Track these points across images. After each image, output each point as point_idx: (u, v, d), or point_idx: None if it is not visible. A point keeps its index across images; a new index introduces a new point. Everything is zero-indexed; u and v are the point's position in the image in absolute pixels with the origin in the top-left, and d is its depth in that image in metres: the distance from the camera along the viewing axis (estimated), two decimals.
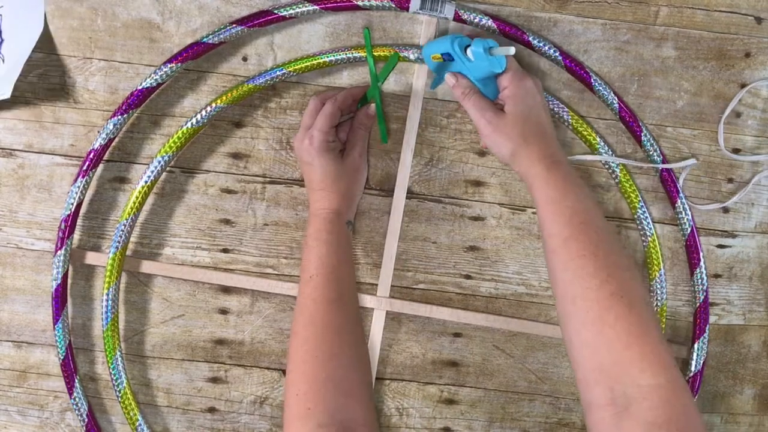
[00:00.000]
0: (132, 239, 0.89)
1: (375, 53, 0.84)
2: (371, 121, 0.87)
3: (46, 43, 0.85)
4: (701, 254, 0.88)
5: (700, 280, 0.89)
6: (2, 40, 0.83)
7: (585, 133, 0.86)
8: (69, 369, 0.87)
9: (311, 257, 0.81)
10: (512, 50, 0.74)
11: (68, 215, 0.84)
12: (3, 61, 0.83)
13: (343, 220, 0.84)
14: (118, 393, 0.88)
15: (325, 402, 0.73)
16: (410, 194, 0.89)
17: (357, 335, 0.81)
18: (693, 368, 0.90)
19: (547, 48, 0.83)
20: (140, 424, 0.89)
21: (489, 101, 0.80)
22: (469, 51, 0.78)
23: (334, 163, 0.83)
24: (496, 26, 0.82)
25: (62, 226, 0.84)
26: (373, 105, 0.86)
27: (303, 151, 0.83)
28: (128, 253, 0.88)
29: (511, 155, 0.78)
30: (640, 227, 0.89)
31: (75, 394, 0.88)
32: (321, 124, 0.82)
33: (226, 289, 0.91)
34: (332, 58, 0.84)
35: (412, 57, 0.84)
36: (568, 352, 0.70)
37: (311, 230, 0.83)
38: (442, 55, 0.79)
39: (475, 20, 0.82)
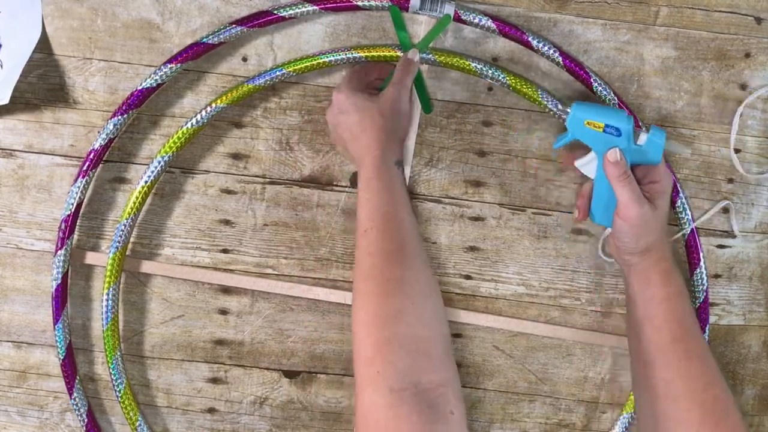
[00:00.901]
0: (132, 239, 0.89)
1: (376, 53, 0.84)
2: (410, 65, 0.81)
3: (46, 43, 0.84)
4: (701, 254, 0.88)
5: (699, 280, 0.89)
6: (0, 45, 0.83)
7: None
8: (69, 369, 0.87)
9: (363, 210, 0.76)
10: (689, 151, 0.77)
11: (68, 215, 0.84)
12: (1, 66, 0.83)
13: (391, 160, 0.79)
14: (117, 393, 0.88)
15: (393, 364, 0.66)
16: (410, 194, 0.89)
17: (422, 287, 0.73)
18: None
19: (546, 48, 0.83)
20: (140, 425, 0.89)
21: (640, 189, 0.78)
22: (643, 136, 0.77)
23: (368, 101, 0.79)
24: (495, 26, 0.82)
25: (62, 227, 0.84)
26: (411, 51, 0.81)
27: (335, 108, 0.80)
28: (128, 253, 0.88)
29: (645, 248, 0.77)
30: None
31: (75, 394, 0.88)
32: (347, 78, 0.81)
33: (226, 290, 0.91)
34: (332, 58, 0.83)
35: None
36: None
37: (360, 182, 0.78)
38: (605, 126, 0.77)
39: (475, 20, 0.82)
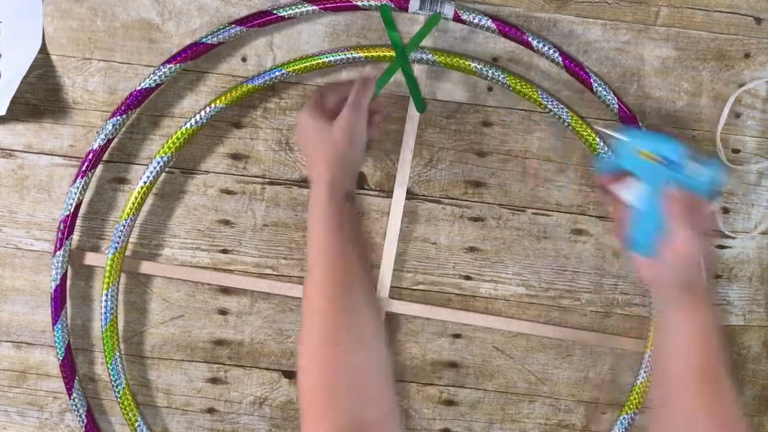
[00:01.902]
0: (131, 240, 0.89)
1: (374, 53, 0.83)
2: (367, 83, 0.79)
3: (45, 43, 0.84)
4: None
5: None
6: (0, 55, 0.84)
7: (585, 133, 0.86)
8: (68, 369, 0.87)
9: (310, 245, 0.77)
10: (737, 182, 0.75)
11: (67, 216, 0.84)
12: (0, 75, 0.83)
13: (340, 194, 0.77)
14: (117, 394, 0.88)
15: (334, 406, 0.71)
16: (410, 195, 0.89)
17: (365, 329, 0.76)
18: None
19: (546, 48, 0.83)
20: (140, 425, 0.89)
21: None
22: (695, 167, 0.71)
23: (325, 126, 0.77)
24: (495, 26, 0.82)
25: (61, 227, 0.84)
26: (366, 68, 0.81)
27: (299, 130, 0.80)
28: (127, 253, 0.88)
29: (689, 282, 0.74)
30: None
31: (74, 394, 0.88)
32: (312, 99, 0.80)
33: (226, 290, 0.91)
34: (332, 58, 0.83)
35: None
36: None
37: (310, 210, 0.78)
38: (664, 158, 0.72)
39: (475, 20, 0.82)
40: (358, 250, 0.79)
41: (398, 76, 0.86)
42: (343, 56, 0.83)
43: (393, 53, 0.83)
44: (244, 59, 0.86)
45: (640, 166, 0.73)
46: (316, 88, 0.83)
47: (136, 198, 0.84)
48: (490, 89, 0.88)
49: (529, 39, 0.83)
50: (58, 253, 0.84)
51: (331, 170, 0.77)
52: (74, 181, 0.84)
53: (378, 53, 0.84)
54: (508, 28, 0.83)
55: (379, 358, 0.77)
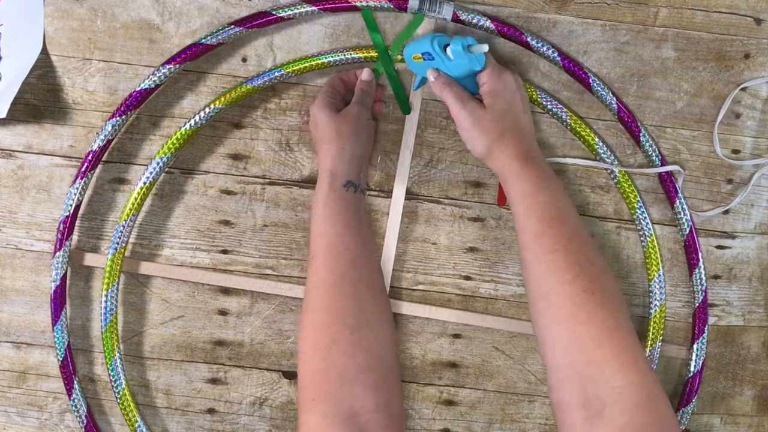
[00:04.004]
0: (131, 240, 0.89)
1: (374, 53, 0.84)
2: (367, 84, 0.84)
3: (45, 44, 0.85)
4: (700, 255, 0.88)
5: (699, 281, 0.89)
6: (0, 58, 0.84)
7: (584, 134, 0.86)
8: (68, 370, 0.87)
9: (311, 234, 0.79)
10: (486, 47, 0.75)
11: (67, 216, 0.84)
12: (0, 78, 0.83)
13: (341, 182, 0.80)
14: (117, 394, 0.88)
15: (327, 393, 0.71)
16: (409, 195, 0.89)
17: (366, 315, 0.76)
18: (692, 369, 0.90)
19: (545, 49, 0.83)
20: (139, 426, 0.89)
21: (469, 94, 0.79)
22: (448, 50, 0.77)
23: (331, 117, 0.81)
24: (494, 27, 0.82)
25: (61, 227, 0.84)
26: (365, 72, 0.84)
27: (310, 116, 0.83)
28: (127, 254, 0.88)
29: (487, 150, 0.77)
30: (639, 228, 0.89)
31: (74, 395, 0.88)
32: (322, 91, 0.83)
33: (226, 290, 0.91)
34: (332, 59, 0.84)
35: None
36: (540, 350, 0.70)
37: (312, 199, 0.80)
38: (422, 54, 0.79)
39: (474, 21, 0.82)
40: (361, 238, 0.79)
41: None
42: (343, 57, 0.84)
43: (418, 15, 0.83)
44: (244, 60, 0.86)
45: (420, 68, 0.81)
46: (327, 81, 0.85)
47: (136, 198, 0.84)
48: None
49: (528, 39, 0.83)
50: (57, 253, 0.84)
51: (333, 160, 0.80)
52: (74, 182, 0.84)
53: (375, 53, 0.84)
54: (507, 29, 0.83)
55: (380, 342, 0.76)
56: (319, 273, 0.77)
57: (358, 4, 0.82)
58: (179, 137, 0.84)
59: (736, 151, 0.90)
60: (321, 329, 0.75)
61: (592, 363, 0.64)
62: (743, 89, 0.88)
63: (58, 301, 0.85)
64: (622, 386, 0.62)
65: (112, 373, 0.87)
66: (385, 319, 0.78)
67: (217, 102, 0.83)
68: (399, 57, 0.84)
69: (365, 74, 0.84)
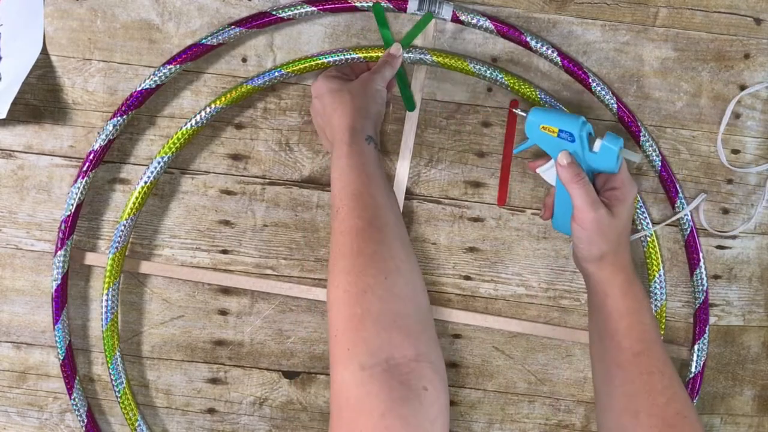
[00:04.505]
0: (131, 240, 0.89)
1: (374, 54, 0.84)
2: (392, 59, 0.82)
3: (45, 44, 0.85)
4: (701, 255, 0.88)
5: (699, 281, 0.89)
6: (0, 58, 0.84)
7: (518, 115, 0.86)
8: (68, 370, 0.87)
9: (334, 189, 0.75)
10: (640, 156, 0.74)
11: (68, 216, 0.84)
12: (0, 78, 0.83)
13: (361, 136, 0.77)
14: (117, 394, 0.88)
15: (364, 340, 0.64)
16: (409, 195, 0.89)
17: (396, 261, 0.71)
18: (693, 369, 0.90)
19: (545, 49, 0.83)
20: (140, 425, 0.89)
21: (596, 193, 0.76)
22: (597, 143, 0.75)
23: (340, 84, 0.80)
24: (494, 27, 0.82)
25: (62, 227, 0.84)
26: (394, 46, 0.82)
27: (313, 96, 0.82)
28: (127, 253, 0.88)
29: (600, 257, 0.75)
30: (639, 228, 0.89)
31: (74, 395, 0.88)
32: (325, 71, 0.83)
33: (226, 290, 0.91)
34: (332, 59, 0.84)
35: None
36: None
37: (332, 162, 0.77)
38: (560, 131, 0.75)
39: (474, 21, 0.82)
40: (385, 189, 0.76)
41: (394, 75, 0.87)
42: (343, 57, 0.84)
43: (427, 13, 0.82)
44: (244, 60, 0.86)
45: (546, 142, 0.77)
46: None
47: (136, 198, 0.84)
48: (489, 90, 0.88)
49: (528, 40, 0.83)
50: (58, 253, 0.85)
51: (351, 118, 0.77)
52: (75, 182, 0.84)
53: (377, 54, 0.84)
54: (506, 29, 0.83)
55: (414, 290, 0.71)
56: (346, 221, 0.72)
57: (358, 4, 0.82)
58: (179, 137, 0.84)
59: (735, 152, 0.90)
60: (354, 273, 0.69)
61: None
62: (743, 89, 0.88)
63: (58, 300, 0.85)
64: None
65: (112, 373, 0.87)
66: (415, 269, 0.73)
67: (217, 102, 0.84)
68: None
69: (394, 48, 0.82)
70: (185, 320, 0.91)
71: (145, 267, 0.89)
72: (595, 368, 0.77)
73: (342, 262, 0.70)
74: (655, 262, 0.88)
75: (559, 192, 0.79)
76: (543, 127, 0.76)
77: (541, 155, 0.81)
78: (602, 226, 0.75)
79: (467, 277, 0.91)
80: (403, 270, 0.71)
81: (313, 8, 0.82)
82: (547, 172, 0.81)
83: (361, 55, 0.83)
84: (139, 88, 0.83)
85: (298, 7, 0.82)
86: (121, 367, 0.87)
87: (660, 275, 0.88)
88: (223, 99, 0.83)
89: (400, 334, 0.65)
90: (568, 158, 0.75)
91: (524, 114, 0.78)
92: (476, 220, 0.90)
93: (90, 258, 0.88)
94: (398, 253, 0.72)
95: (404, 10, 0.82)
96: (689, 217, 0.88)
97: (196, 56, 0.83)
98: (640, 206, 0.87)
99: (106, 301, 0.85)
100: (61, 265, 0.85)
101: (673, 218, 0.88)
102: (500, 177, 0.89)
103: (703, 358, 0.90)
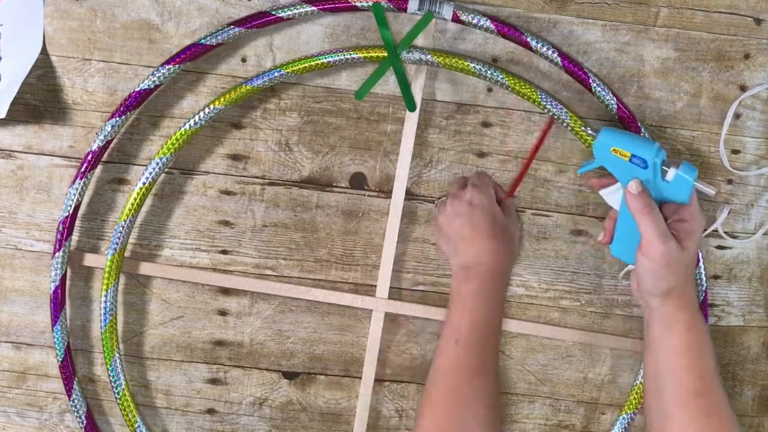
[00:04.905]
0: (131, 240, 0.89)
1: (374, 53, 0.84)
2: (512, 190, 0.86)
3: (45, 44, 0.84)
4: (700, 255, 0.88)
5: (699, 281, 0.89)
6: (0, 58, 0.84)
7: (584, 134, 0.86)
8: (68, 370, 0.87)
9: (464, 317, 0.77)
10: (714, 191, 0.72)
11: (66, 217, 0.84)
12: (0, 78, 0.83)
13: (507, 279, 0.80)
14: (116, 394, 0.88)
15: None
16: (409, 195, 0.89)
17: (489, 412, 0.75)
18: None
19: (545, 49, 0.83)
20: (139, 426, 0.89)
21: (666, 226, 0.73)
22: (671, 172, 0.72)
23: (494, 214, 0.82)
24: (494, 27, 0.82)
25: (60, 228, 0.84)
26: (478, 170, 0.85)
27: (459, 208, 0.82)
28: (127, 254, 0.88)
29: (667, 291, 0.73)
30: None
31: (74, 395, 0.88)
32: (478, 190, 0.83)
33: (226, 291, 0.91)
34: (331, 59, 0.83)
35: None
36: None
37: (470, 286, 0.78)
38: (633, 156, 0.73)
39: (474, 21, 0.82)
40: (499, 332, 0.80)
41: (394, 75, 0.87)
42: (343, 57, 0.83)
43: (428, 13, 0.82)
44: (243, 60, 0.86)
45: (615, 165, 0.74)
46: (450, 185, 0.87)
47: (135, 199, 0.84)
48: (489, 90, 0.88)
49: (528, 40, 0.83)
50: (57, 254, 0.84)
51: (503, 259, 0.82)
52: (73, 182, 0.84)
53: (377, 54, 0.84)
54: (507, 29, 0.83)
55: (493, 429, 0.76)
56: (463, 358, 0.76)
57: (358, 4, 0.81)
58: (179, 137, 0.84)
59: (736, 152, 0.90)
60: (451, 412, 0.73)
61: None
62: (743, 89, 0.88)
63: (57, 301, 0.85)
64: None
65: (111, 374, 0.87)
66: (498, 407, 0.80)
67: (217, 102, 0.83)
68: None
69: (478, 172, 0.86)
70: (185, 321, 0.91)
71: (144, 268, 0.89)
72: (651, 406, 0.75)
73: (446, 397, 0.75)
74: None
75: (623, 218, 0.77)
76: (614, 150, 0.74)
77: (604, 174, 0.79)
78: (671, 260, 0.72)
79: None
80: (490, 422, 0.75)
81: (313, 8, 0.82)
82: (612, 195, 0.78)
83: (361, 55, 0.83)
84: (138, 89, 0.82)
85: (298, 7, 0.82)
86: (121, 367, 0.87)
87: None
88: (223, 99, 0.83)
89: None
90: (640, 187, 0.73)
91: (594, 134, 0.76)
92: None
93: (89, 259, 0.88)
94: (492, 403, 0.76)
95: (404, 10, 0.82)
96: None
97: (195, 56, 0.83)
98: None
99: (105, 302, 0.85)
100: (59, 266, 0.85)
101: (706, 231, 0.87)
102: (516, 178, 0.88)
103: None
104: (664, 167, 0.73)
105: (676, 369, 0.73)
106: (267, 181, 0.89)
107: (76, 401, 0.88)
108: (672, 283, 0.73)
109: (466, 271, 0.80)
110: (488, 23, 0.82)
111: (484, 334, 0.77)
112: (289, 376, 0.93)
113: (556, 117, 0.84)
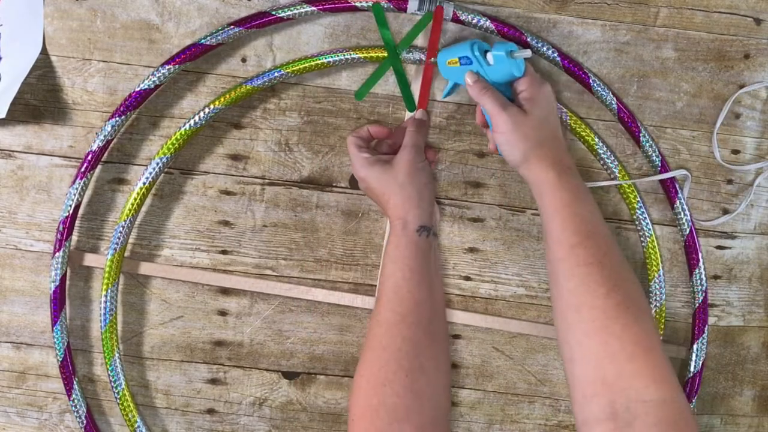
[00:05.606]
0: (130, 241, 0.89)
1: (373, 54, 0.84)
2: (421, 125, 0.84)
3: (45, 44, 0.84)
4: (700, 255, 0.88)
5: (699, 281, 0.89)
6: (0, 58, 0.84)
7: (584, 134, 0.86)
8: (67, 370, 0.87)
9: (380, 277, 0.80)
10: (528, 52, 0.75)
11: (66, 217, 0.84)
12: (0, 78, 0.83)
13: (411, 228, 0.80)
14: (116, 394, 0.88)
15: (378, 429, 0.71)
16: None
17: (420, 360, 0.76)
18: (692, 369, 0.90)
19: (545, 49, 0.83)
20: (139, 426, 0.89)
21: (508, 99, 0.78)
22: (489, 55, 0.77)
23: (384, 172, 0.80)
24: (494, 27, 0.82)
25: (60, 228, 0.84)
26: (418, 111, 0.85)
27: (357, 177, 0.83)
28: (127, 254, 0.88)
29: (523, 157, 0.75)
30: (639, 228, 0.89)
31: (74, 395, 0.88)
32: (353, 156, 0.82)
33: (225, 291, 0.91)
34: (331, 59, 0.84)
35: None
36: (566, 365, 0.69)
37: (386, 244, 0.81)
38: (460, 59, 0.78)
39: (474, 21, 0.82)
40: (426, 283, 0.80)
41: (394, 76, 0.87)
42: (343, 57, 0.84)
43: (428, 13, 0.82)
44: (243, 60, 0.86)
45: (454, 73, 0.80)
46: (350, 137, 0.83)
47: (135, 199, 0.84)
48: None
49: (528, 39, 0.83)
50: (57, 254, 0.84)
51: (402, 209, 0.80)
52: (73, 182, 0.84)
53: (377, 54, 0.84)
54: (506, 29, 0.83)
55: (435, 389, 0.76)
56: (381, 313, 0.78)
57: (358, 4, 0.81)
58: (179, 137, 0.84)
59: (735, 152, 0.90)
60: (377, 367, 0.75)
61: (624, 376, 0.63)
62: (734, 94, 0.88)
63: (57, 301, 0.85)
64: (654, 401, 0.62)
65: (111, 374, 0.87)
66: (441, 367, 0.78)
67: (217, 102, 0.83)
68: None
69: (419, 114, 0.84)
70: (185, 321, 0.91)
71: (144, 268, 0.89)
72: (549, 276, 0.75)
73: (369, 353, 0.76)
74: (654, 263, 0.88)
75: (488, 118, 0.80)
76: (449, 63, 0.80)
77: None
78: (517, 124, 0.75)
79: (467, 278, 0.91)
80: (426, 368, 0.76)
81: (313, 8, 0.82)
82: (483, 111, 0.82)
83: (361, 55, 0.83)
84: (139, 88, 0.82)
85: (298, 7, 0.82)
86: (121, 367, 0.87)
87: (659, 275, 0.88)
88: (223, 99, 0.83)
89: (410, 427, 0.72)
90: (473, 77, 0.78)
91: (434, 61, 0.82)
92: (476, 220, 0.90)
93: (89, 259, 0.88)
94: (424, 351, 0.76)
95: (404, 10, 0.82)
96: (689, 218, 0.88)
97: (195, 56, 0.83)
98: (640, 206, 0.87)
99: (105, 302, 0.85)
100: (59, 266, 0.85)
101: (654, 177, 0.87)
102: (421, 85, 0.86)
103: (702, 358, 0.90)
104: (486, 56, 0.78)
105: (551, 228, 0.72)
106: (267, 181, 0.89)
107: (76, 401, 0.88)
108: (523, 146, 0.75)
109: (390, 231, 0.82)
110: (488, 23, 0.82)
111: (396, 289, 0.79)
112: (289, 376, 0.93)
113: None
